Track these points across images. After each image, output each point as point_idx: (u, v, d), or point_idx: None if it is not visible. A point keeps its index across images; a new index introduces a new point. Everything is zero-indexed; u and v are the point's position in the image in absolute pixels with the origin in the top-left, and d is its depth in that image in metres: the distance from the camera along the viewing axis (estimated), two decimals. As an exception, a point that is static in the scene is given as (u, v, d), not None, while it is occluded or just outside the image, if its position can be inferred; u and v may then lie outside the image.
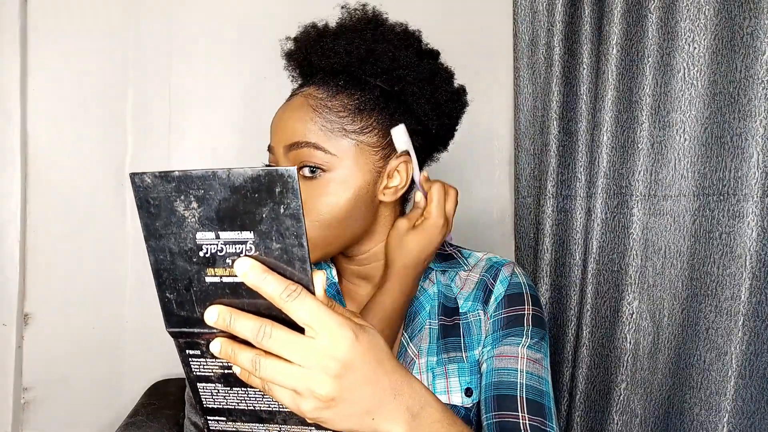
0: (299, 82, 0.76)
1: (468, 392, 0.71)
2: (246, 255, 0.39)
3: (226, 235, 0.39)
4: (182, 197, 0.39)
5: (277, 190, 0.37)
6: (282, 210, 0.38)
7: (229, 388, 0.46)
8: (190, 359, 0.45)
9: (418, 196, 0.75)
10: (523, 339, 0.71)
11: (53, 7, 1.21)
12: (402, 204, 0.77)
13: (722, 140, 0.95)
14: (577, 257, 1.16)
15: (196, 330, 0.43)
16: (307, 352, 0.39)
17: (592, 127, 1.15)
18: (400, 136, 0.69)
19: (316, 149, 0.66)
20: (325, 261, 0.79)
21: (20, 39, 1.18)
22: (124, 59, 1.25)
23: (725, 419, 0.92)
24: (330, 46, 0.69)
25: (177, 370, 1.26)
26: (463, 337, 0.74)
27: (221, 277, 0.40)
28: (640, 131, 1.05)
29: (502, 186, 1.43)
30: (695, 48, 0.99)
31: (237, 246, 0.39)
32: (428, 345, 0.73)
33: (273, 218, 0.38)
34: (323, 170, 0.66)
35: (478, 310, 0.75)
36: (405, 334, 0.73)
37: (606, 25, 1.08)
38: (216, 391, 0.46)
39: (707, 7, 0.97)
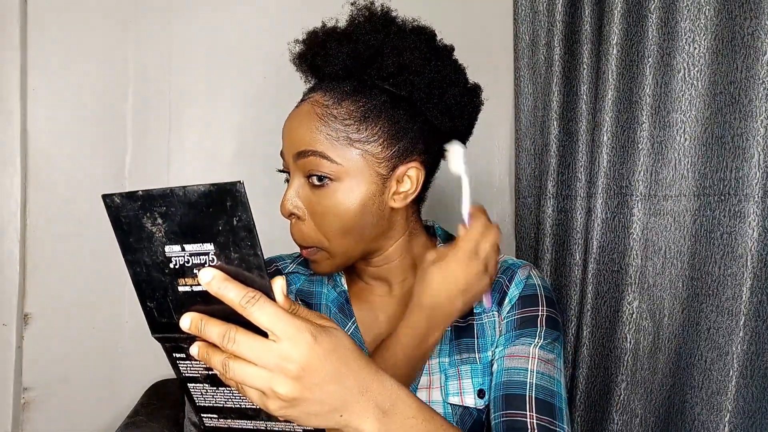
0: (311, 84, 0.75)
1: (481, 393, 0.70)
2: (209, 265, 0.42)
3: (190, 248, 0.42)
4: (148, 214, 0.42)
5: (228, 204, 0.40)
6: (235, 222, 0.40)
7: (215, 388, 0.48)
8: (177, 362, 0.48)
9: (461, 230, 0.70)
10: (536, 339, 0.69)
11: (53, 7, 1.20)
12: (417, 204, 0.77)
13: (723, 140, 0.95)
14: (578, 257, 1.16)
15: (176, 335, 0.45)
16: (268, 354, 0.41)
17: (592, 127, 1.15)
18: (456, 158, 0.69)
19: (322, 158, 0.66)
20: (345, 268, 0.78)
21: (20, 39, 1.18)
22: (124, 59, 1.25)
23: (726, 419, 0.92)
24: (335, 51, 0.68)
25: (177, 371, 1.26)
26: (477, 338, 0.73)
27: (191, 286, 0.43)
28: (641, 131, 1.05)
29: (502, 186, 1.43)
30: (695, 48, 0.99)
31: (200, 257, 0.42)
32: (440, 346, 0.72)
33: (228, 230, 0.40)
34: (331, 179, 0.66)
35: (492, 311, 0.74)
36: None
37: (606, 25, 1.08)
38: (204, 390, 0.49)
39: (707, 7, 0.97)
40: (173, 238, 0.42)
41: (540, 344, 0.69)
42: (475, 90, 0.76)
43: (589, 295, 1.12)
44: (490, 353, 0.72)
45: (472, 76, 0.77)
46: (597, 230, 1.11)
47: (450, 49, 0.75)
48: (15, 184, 1.19)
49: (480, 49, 1.37)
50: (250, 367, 0.42)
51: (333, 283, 0.80)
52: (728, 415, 0.92)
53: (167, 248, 0.42)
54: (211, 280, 0.41)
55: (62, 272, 1.23)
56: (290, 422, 0.48)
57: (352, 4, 0.73)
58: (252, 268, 0.42)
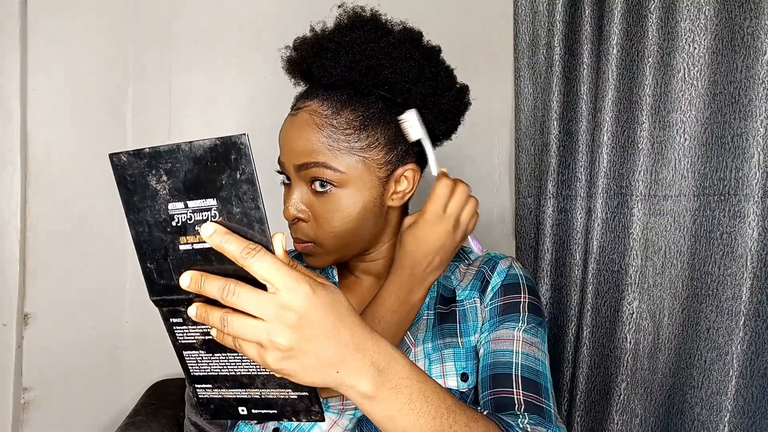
0: (302, 88, 0.75)
1: (464, 377, 0.72)
2: (211, 221, 0.42)
3: (193, 204, 0.43)
4: (153, 172, 0.42)
5: (232, 157, 0.41)
6: (238, 175, 0.41)
7: (211, 355, 0.49)
8: (174, 327, 0.48)
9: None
10: (519, 324, 0.72)
11: (53, 7, 1.20)
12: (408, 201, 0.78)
13: (723, 140, 0.95)
14: (578, 257, 1.16)
15: (175, 297, 0.46)
16: (267, 305, 0.42)
17: (592, 127, 1.15)
18: (412, 123, 0.69)
19: (325, 168, 0.67)
20: (338, 263, 0.80)
21: (20, 39, 1.18)
22: (124, 59, 1.25)
23: (726, 419, 0.92)
24: (330, 62, 0.69)
25: (177, 370, 1.25)
26: (459, 323, 0.75)
27: (192, 244, 0.44)
28: (641, 131, 1.05)
29: (502, 186, 1.43)
30: (695, 48, 0.99)
31: (203, 213, 0.43)
32: (425, 333, 0.74)
33: (231, 184, 0.41)
34: (334, 185, 0.68)
35: (474, 298, 0.76)
36: None
37: (606, 25, 1.08)
38: (200, 358, 0.49)
39: (707, 7, 0.97)
40: (177, 195, 0.42)
41: (524, 328, 0.72)
42: (464, 91, 0.77)
43: (589, 295, 1.12)
44: (473, 338, 0.74)
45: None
46: (597, 230, 1.11)
47: (438, 51, 0.76)
48: (15, 184, 1.19)
49: (480, 49, 1.37)
50: (249, 320, 0.42)
51: (325, 275, 0.80)
52: (728, 415, 0.92)
53: (170, 206, 0.43)
54: (212, 233, 0.41)
55: (62, 272, 1.23)
56: (284, 388, 0.48)
57: (339, 6, 0.74)
58: (253, 222, 0.42)
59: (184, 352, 0.49)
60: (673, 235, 1.03)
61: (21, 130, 1.19)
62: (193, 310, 0.44)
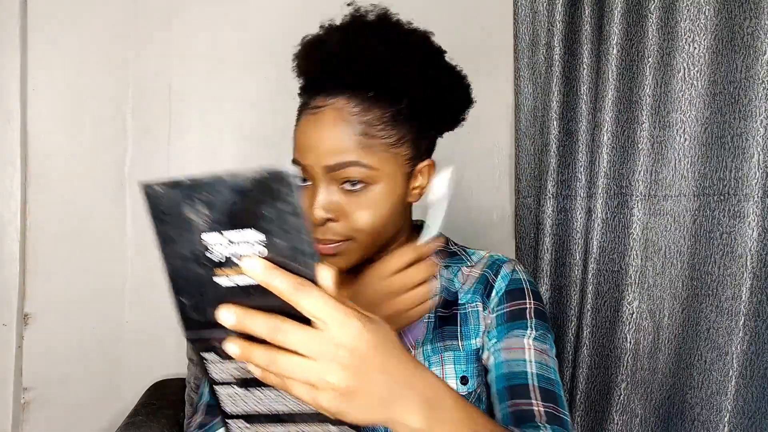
0: (312, 88, 0.72)
1: (464, 380, 0.72)
2: (253, 254, 0.40)
3: (232, 236, 0.40)
4: (191, 203, 0.39)
5: (279, 189, 0.38)
6: (284, 207, 0.38)
7: (247, 391, 0.46)
8: (208, 363, 0.45)
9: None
10: (528, 331, 0.72)
11: (53, 7, 1.20)
12: None
13: (722, 140, 0.95)
14: (578, 257, 1.16)
15: (211, 333, 0.43)
16: (318, 343, 0.40)
17: (592, 127, 1.15)
18: (447, 183, 0.66)
19: (359, 166, 0.66)
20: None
21: (20, 39, 1.18)
22: (124, 59, 1.25)
23: (726, 419, 0.92)
24: (353, 65, 0.66)
25: (177, 370, 1.26)
26: (460, 326, 0.74)
27: (231, 277, 0.41)
28: (641, 131, 1.05)
29: (502, 186, 1.43)
30: (695, 48, 0.99)
31: (244, 246, 0.40)
32: (424, 336, 0.74)
33: (276, 216, 0.39)
34: (366, 183, 0.67)
35: (476, 301, 0.76)
36: None
37: (606, 25, 1.08)
38: (235, 394, 0.46)
39: (707, 7, 0.97)
40: (215, 226, 0.40)
41: (533, 336, 0.71)
42: (469, 90, 0.77)
43: (589, 295, 1.12)
44: (473, 342, 0.74)
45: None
46: (597, 230, 1.11)
47: (444, 52, 0.76)
48: (15, 184, 1.19)
49: (480, 49, 1.37)
50: (299, 359, 0.40)
51: None
52: (728, 415, 0.92)
53: (207, 238, 0.40)
54: (256, 268, 0.39)
55: (62, 272, 1.23)
56: (324, 422, 0.46)
57: (348, 4, 0.72)
58: (299, 255, 0.40)
59: (217, 387, 0.46)
60: (673, 235, 1.03)
61: (21, 130, 1.19)
62: (234, 348, 0.41)
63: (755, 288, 0.91)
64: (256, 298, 0.41)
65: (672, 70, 1.02)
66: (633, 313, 1.07)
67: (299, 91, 0.73)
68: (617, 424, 1.07)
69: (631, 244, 1.07)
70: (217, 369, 0.45)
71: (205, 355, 0.45)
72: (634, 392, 1.07)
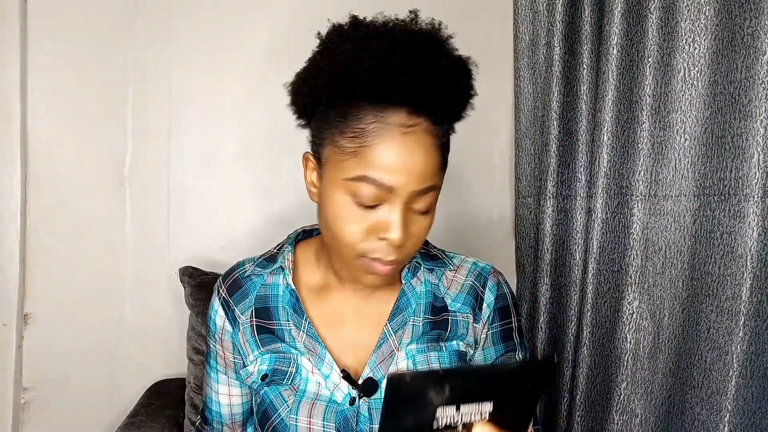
0: (384, 100, 0.63)
1: None
2: (480, 421, 0.41)
3: (466, 408, 0.41)
4: (438, 388, 0.40)
5: (536, 376, 0.40)
6: (529, 388, 0.40)
7: None
8: None
9: None
10: (518, 351, 0.80)
11: (53, 7, 1.21)
12: None
13: (723, 140, 0.95)
14: (578, 257, 1.16)
15: None
16: None
17: (592, 127, 1.15)
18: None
19: (435, 191, 0.65)
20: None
21: (20, 39, 1.18)
22: (124, 59, 1.25)
23: (726, 419, 0.92)
24: (438, 86, 0.63)
25: (177, 370, 1.26)
26: (449, 330, 0.76)
27: None
28: (641, 131, 1.05)
29: (502, 186, 1.43)
30: (695, 48, 0.99)
31: (474, 415, 0.41)
32: (410, 339, 0.74)
33: (518, 394, 0.40)
34: (431, 208, 0.67)
35: (467, 312, 0.77)
36: (389, 325, 0.74)
37: (606, 25, 1.08)
38: None
39: (707, 7, 0.97)
40: (452, 402, 0.40)
41: (521, 355, 0.79)
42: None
43: (589, 295, 1.12)
44: (456, 343, 0.76)
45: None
46: (597, 230, 1.11)
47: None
48: (15, 184, 1.19)
49: (480, 49, 1.36)
50: None
51: (285, 282, 0.77)
52: (728, 415, 0.92)
53: (440, 411, 0.41)
54: None
55: (62, 272, 1.23)
56: None
57: (361, 17, 0.68)
58: (525, 421, 0.41)
59: None
60: (673, 235, 1.03)
61: (21, 130, 1.19)
62: None
63: (755, 288, 0.91)
64: None
65: (672, 70, 1.02)
66: (633, 313, 1.07)
67: (345, 96, 0.63)
68: (617, 424, 1.07)
69: (631, 244, 1.07)
70: None
71: None
72: (634, 392, 1.07)
